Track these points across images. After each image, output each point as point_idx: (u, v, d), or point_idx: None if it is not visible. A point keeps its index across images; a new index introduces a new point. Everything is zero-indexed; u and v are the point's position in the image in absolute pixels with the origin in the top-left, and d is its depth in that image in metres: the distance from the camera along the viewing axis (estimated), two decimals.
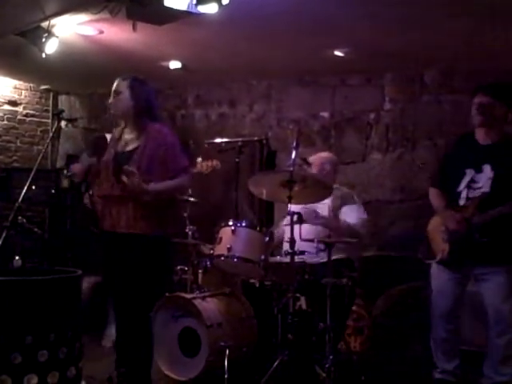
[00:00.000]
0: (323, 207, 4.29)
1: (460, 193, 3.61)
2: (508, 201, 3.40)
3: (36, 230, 4.57)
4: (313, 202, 4.29)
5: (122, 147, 3.41)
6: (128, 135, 3.42)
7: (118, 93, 3.38)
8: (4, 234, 2.83)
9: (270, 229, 4.31)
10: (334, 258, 3.95)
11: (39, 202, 5.05)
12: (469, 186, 3.58)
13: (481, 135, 3.64)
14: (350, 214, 4.29)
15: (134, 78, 3.42)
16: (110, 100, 3.42)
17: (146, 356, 3.36)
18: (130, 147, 3.37)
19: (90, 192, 4.44)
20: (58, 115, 3.49)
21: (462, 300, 3.74)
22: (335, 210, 4.36)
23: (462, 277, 3.68)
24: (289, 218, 3.84)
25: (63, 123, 5.40)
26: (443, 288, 3.72)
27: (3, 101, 6.54)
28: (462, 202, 3.60)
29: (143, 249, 3.24)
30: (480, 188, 3.53)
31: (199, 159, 4.73)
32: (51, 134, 3.24)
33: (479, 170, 3.56)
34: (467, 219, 3.51)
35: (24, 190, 2.93)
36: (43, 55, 4.54)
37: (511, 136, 3.69)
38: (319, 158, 4.58)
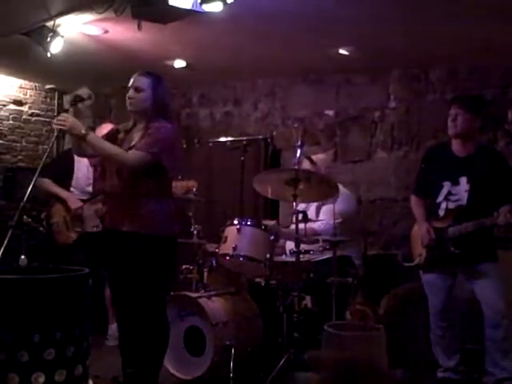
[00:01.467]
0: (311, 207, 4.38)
1: (439, 204, 3.73)
2: (484, 212, 3.50)
3: (41, 229, 4.59)
4: (317, 201, 4.31)
5: (128, 143, 3.36)
6: (137, 132, 3.38)
7: (139, 89, 3.32)
8: (9, 234, 2.83)
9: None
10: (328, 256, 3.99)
11: (44, 201, 5.06)
12: (447, 198, 3.69)
13: (457, 147, 3.73)
14: (326, 216, 4.35)
15: (156, 77, 3.38)
16: (131, 95, 3.35)
17: (152, 357, 3.33)
18: (133, 143, 3.33)
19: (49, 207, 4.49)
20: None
21: (452, 294, 3.80)
22: (318, 208, 4.41)
23: (448, 274, 3.76)
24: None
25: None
26: (432, 287, 3.82)
27: (8, 100, 6.55)
28: (441, 213, 3.72)
29: (143, 247, 3.20)
30: (457, 200, 3.65)
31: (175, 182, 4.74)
32: (55, 133, 3.20)
33: (456, 183, 3.66)
34: (443, 230, 3.63)
35: (29, 190, 2.94)
36: (48, 55, 4.54)
37: (486, 147, 3.85)
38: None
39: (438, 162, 3.80)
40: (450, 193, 3.67)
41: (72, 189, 4.84)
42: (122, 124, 3.54)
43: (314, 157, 4.65)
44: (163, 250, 3.27)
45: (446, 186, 3.68)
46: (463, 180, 3.63)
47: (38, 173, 3.01)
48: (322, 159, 4.69)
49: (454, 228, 3.59)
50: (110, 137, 3.44)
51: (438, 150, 3.94)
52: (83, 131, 3.14)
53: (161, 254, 3.25)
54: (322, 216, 4.40)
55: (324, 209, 4.43)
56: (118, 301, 3.43)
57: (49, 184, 4.74)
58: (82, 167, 4.85)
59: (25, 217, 2.95)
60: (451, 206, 3.66)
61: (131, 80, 3.37)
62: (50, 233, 4.76)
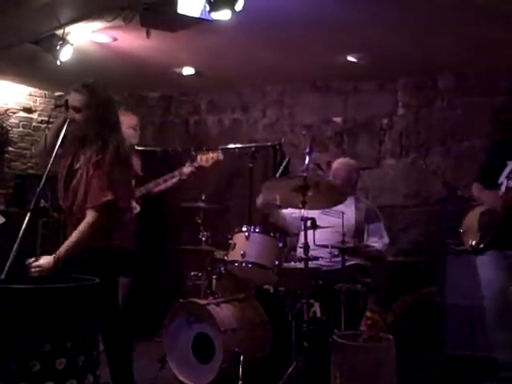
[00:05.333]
0: (348, 217, 4.30)
1: (500, 185, 3.75)
2: None
3: (55, 214, 4.56)
4: (326, 208, 4.30)
5: (75, 162, 3.28)
6: (84, 148, 3.27)
7: (77, 109, 3.21)
8: (27, 217, 2.85)
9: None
10: (347, 264, 3.97)
11: (54, 208, 5.08)
12: (508, 177, 3.72)
13: None
14: (377, 236, 4.42)
15: (94, 93, 3.24)
16: (70, 116, 3.23)
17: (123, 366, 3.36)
18: (78, 164, 3.25)
19: None
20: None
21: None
22: (358, 224, 4.40)
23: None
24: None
25: None
26: (490, 266, 3.76)
27: (18, 108, 6.59)
28: (501, 193, 3.72)
29: (86, 261, 3.15)
30: None
31: (199, 155, 4.81)
32: (61, 136, 3.15)
33: None
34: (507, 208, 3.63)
35: (44, 177, 2.96)
36: (58, 63, 4.57)
37: None
38: (341, 164, 4.62)
39: (503, 145, 3.91)
40: None
41: None
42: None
43: (342, 161, 4.73)
44: (99, 262, 3.20)
45: (510, 164, 3.72)
46: None
47: (44, 179, 3.02)
48: (348, 163, 4.73)
49: None
50: (68, 170, 3.33)
51: (502, 140, 4.11)
52: (54, 259, 3.03)
53: (97, 266, 3.15)
54: (371, 235, 4.45)
55: (372, 228, 4.48)
56: None
57: None
58: None
59: (42, 201, 2.96)
60: (511, 184, 3.70)
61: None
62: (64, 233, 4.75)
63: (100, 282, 2.59)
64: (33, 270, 3.01)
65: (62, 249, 3.10)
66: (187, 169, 4.99)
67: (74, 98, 3.23)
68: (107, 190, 3.15)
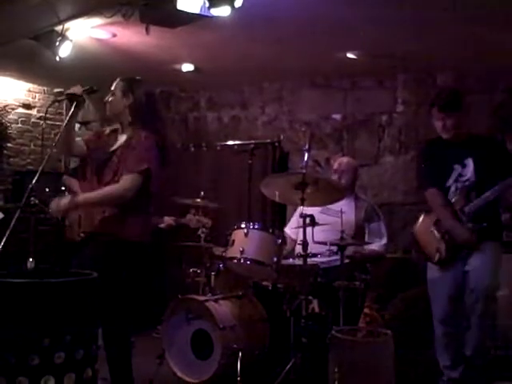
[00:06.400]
0: (348, 215, 4.27)
1: (449, 187, 3.70)
2: (491, 186, 3.51)
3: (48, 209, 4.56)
4: (325, 204, 4.30)
5: (109, 147, 3.36)
6: (119, 136, 3.38)
7: (112, 93, 3.38)
8: (17, 214, 2.84)
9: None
10: (346, 261, 3.97)
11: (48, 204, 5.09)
12: (457, 180, 3.69)
13: (453, 139, 3.72)
14: (377, 236, 4.40)
15: (130, 81, 3.39)
16: (107, 98, 3.41)
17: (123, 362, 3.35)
18: (113, 147, 3.33)
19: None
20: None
21: (460, 301, 3.65)
22: (358, 222, 4.40)
23: (456, 275, 3.63)
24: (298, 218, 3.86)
25: (77, 126, 5.44)
26: (438, 290, 3.73)
27: (17, 104, 6.59)
28: (451, 196, 3.69)
29: (109, 250, 3.17)
30: (466, 181, 3.65)
31: (191, 214, 4.74)
32: (65, 121, 3.15)
33: (464, 166, 3.68)
34: (460, 210, 3.59)
35: (37, 175, 2.96)
36: (57, 59, 4.57)
37: (476, 134, 3.81)
38: (340, 162, 4.62)
39: (442, 149, 3.78)
40: (460, 175, 3.67)
41: None
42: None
43: (341, 159, 4.73)
44: (124, 253, 3.21)
45: (457, 168, 3.69)
46: (469, 161, 3.65)
47: (38, 174, 3.02)
48: (347, 162, 4.72)
49: (470, 205, 3.57)
50: (97, 136, 3.46)
51: (435, 142, 3.90)
52: (70, 201, 3.08)
53: (119, 258, 3.18)
54: (371, 236, 4.44)
55: (372, 228, 4.47)
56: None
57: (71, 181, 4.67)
58: None
59: (32, 198, 2.94)
60: (460, 186, 3.67)
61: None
62: (61, 227, 4.71)
63: (107, 272, 2.61)
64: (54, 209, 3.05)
65: (83, 195, 3.15)
66: (169, 220, 4.99)
67: (117, 84, 3.40)
68: (145, 160, 3.19)
